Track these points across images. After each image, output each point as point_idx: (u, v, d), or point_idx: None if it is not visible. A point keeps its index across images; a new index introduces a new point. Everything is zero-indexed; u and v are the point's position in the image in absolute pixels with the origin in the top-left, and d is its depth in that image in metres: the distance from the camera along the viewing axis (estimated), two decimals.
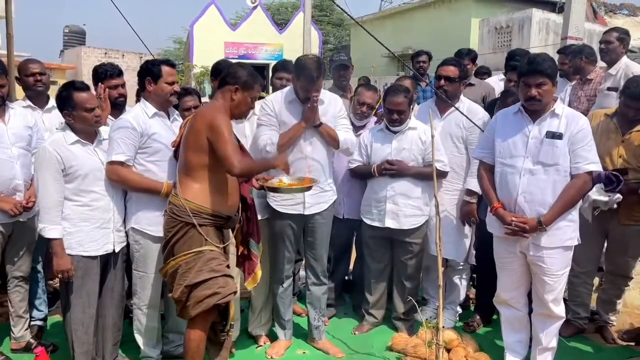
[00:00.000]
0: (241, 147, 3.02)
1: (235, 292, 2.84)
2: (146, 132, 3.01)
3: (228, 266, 2.87)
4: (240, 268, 3.21)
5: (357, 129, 3.91)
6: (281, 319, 3.57)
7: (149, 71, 3.11)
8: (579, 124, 2.93)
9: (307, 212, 3.38)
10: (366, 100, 3.91)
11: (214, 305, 2.73)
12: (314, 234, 3.47)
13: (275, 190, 3.14)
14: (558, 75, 3.13)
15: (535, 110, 2.98)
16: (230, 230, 3.01)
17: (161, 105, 3.13)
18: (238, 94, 2.84)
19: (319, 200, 3.41)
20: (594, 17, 13.60)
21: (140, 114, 3.07)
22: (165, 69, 3.11)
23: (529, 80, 2.91)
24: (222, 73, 2.99)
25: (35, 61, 3.86)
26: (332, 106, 3.44)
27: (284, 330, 3.59)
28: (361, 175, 3.80)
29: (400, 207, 3.60)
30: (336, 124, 3.43)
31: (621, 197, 3.35)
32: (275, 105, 3.36)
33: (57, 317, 3.86)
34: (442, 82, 3.74)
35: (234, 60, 3.95)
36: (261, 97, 3.53)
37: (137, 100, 3.24)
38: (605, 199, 3.36)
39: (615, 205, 3.38)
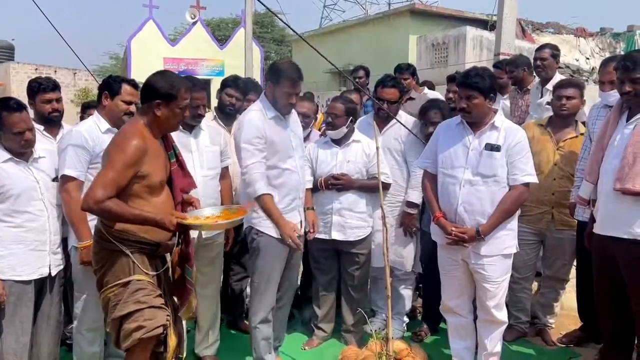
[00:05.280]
0: (182, 167, 2.77)
1: (163, 325, 2.53)
2: (98, 147, 2.89)
3: (161, 295, 2.60)
4: (175, 295, 2.87)
5: None
6: None
7: (109, 85, 3.05)
8: (517, 137, 3.03)
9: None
10: (299, 110, 3.75)
11: (149, 337, 2.51)
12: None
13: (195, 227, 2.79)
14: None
15: (469, 121, 3.08)
16: (168, 254, 2.76)
17: (114, 122, 3.03)
18: (162, 108, 2.51)
19: None
20: (523, 35, 14.31)
21: (93, 127, 2.98)
22: (125, 87, 3.05)
23: (460, 93, 3.07)
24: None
25: None
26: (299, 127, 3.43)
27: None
28: None
29: (346, 219, 3.62)
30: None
31: None
32: (265, 126, 3.09)
33: None
34: (385, 105, 3.81)
35: None
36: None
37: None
38: None
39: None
